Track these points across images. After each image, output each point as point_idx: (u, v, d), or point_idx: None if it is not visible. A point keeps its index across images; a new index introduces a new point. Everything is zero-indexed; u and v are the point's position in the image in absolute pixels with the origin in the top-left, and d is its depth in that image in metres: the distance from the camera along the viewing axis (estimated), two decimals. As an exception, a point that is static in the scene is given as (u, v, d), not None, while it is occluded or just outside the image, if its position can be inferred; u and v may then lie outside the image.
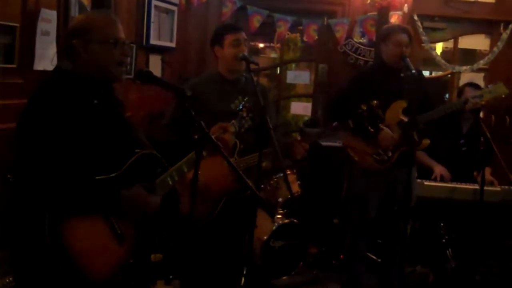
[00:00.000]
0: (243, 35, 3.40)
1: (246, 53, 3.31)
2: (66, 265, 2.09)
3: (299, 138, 3.38)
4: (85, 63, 2.31)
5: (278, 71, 6.96)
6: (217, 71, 3.48)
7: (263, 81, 8.13)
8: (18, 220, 2.17)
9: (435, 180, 4.43)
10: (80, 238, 2.13)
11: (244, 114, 3.01)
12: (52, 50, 3.45)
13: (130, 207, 2.28)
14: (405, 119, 3.92)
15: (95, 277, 2.17)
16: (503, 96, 4.15)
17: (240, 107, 3.03)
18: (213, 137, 2.76)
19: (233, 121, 3.00)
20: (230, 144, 2.97)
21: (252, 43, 8.62)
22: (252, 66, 3.25)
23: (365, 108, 3.16)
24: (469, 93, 4.38)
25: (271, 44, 8.79)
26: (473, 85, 4.58)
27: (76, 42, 2.29)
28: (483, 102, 4.18)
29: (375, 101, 3.17)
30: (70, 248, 2.10)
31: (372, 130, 3.18)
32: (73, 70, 2.32)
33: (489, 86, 4.19)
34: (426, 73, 7.63)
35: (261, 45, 9.28)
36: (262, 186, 4.51)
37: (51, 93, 2.22)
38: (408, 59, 3.78)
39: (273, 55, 8.97)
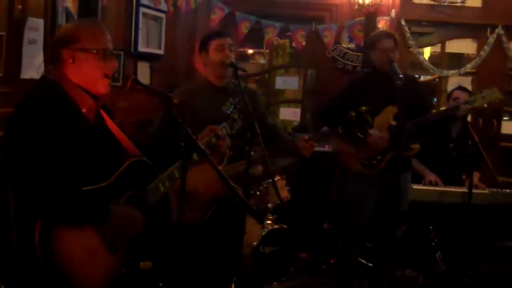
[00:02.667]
0: (228, 40, 3.40)
1: (233, 59, 3.30)
2: (57, 277, 2.07)
3: (307, 137, 3.35)
4: (72, 72, 2.28)
5: (268, 77, 6.97)
6: (205, 78, 3.48)
7: (252, 87, 8.12)
8: (7, 229, 2.15)
9: (424, 184, 4.45)
10: (71, 249, 2.11)
11: (235, 116, 3.01)
12: (39, 58, 3.44)
13: (118, 224, 2.25)
14: (394, 123, 3.94)
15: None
16: (497, 101, 4.09)
17: (231, 109, 3.02)
18: (204, 141, 2.77)
19: (224, 123, 2.99)
20: (224, 150, 2.96)
21: (241, 49, 8.63)
22: (240, 72, 3.25)
23: (353, 114, 3.17)
24: (459, 97, 4.40)
25: (260, 50, 8.81)
26: (462, 89, 4.60)
27: (64, 51, 2.27)
28: (475, 105, 4.15)
29: (364, 107, 3.18)
30: (61, 259, 2.08)
31: (361, 136, 3.19)
32: (59, 79, 2.29)
33: (483, 90, 4.08)
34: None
35: (250, 51, 9.30)
36: (252, 192, 4.51)
37: (38, 102, 2.19)
38: (395, 64, 3.80)
39: (262, 61, 8.99)
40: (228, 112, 2.99)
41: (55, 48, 2.30)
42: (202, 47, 3.45)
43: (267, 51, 6.85)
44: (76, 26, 2.41)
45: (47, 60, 2.35)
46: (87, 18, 3.54)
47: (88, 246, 2.17)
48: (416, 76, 7.63)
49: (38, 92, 2.28)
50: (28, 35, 3.34)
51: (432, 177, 4.47)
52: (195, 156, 2.57)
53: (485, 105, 4.06)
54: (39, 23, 3.45)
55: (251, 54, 9.42)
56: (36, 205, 2.07)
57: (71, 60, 2.27)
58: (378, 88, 3.98)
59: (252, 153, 3.06)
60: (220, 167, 3.10)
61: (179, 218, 2.19)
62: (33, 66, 3.39)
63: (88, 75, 2.30)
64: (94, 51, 2.30)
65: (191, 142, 2.19)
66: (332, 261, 4.88)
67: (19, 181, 2.07)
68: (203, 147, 2.40)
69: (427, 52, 7.59)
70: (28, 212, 2.08)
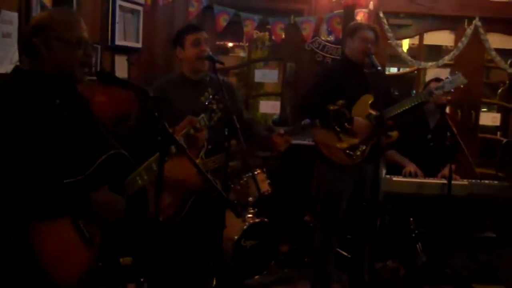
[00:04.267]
0: (203, 34, 3.38)
1: (209, 52, 3.28)
2: (33, 270, 2.06)
3: (282, 131, 3.35)
4: (46, 62, 2.24)
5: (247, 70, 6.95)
6: (181, 73, 3.46)
7: (232, 80, 8.11)
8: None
9: (404, 174, 4.48)
10: (47, 243, 2.10)
11: (214, 107, 2.98)
12: (14, 52, 3.39)
13: (98, 210, 2.25)
14: (374, 112, 3.96)
15: (63, 282, 2.13)
16: (462, 86, 4.25)
17: (209, 99, 2.99)
18: (183, 133, 2.75)
19: (202, 115, 2.97)
20: (202, 141, 2.94)
21: (221, 43, 8.59)
22: (219, 65, 3.23)
23: (331, 107, 3.17)
24: (434, 86, 4.44)
25: (241, 44, 8.78)
26: (438, 81, 4.63)
27: (37, 40, 2.21)
28: (448, 97, 4.26)
29: (341, 101, 3.19)
30: (37, 252, 2.06)
31: (338, 129, 3.20)
32: (33, 69, 2.25)
33: (449, 77, 4.27)
34: (394, 70, 7.73)
35: (230, 44, 9.27)
36: (232, 185, 4.51)
37: (10, 95, 2.16)
38: (373, 56, 3.83)
39: (243, 54, 8.95)
40: (206, 103, 2.97)
41: (29, 37, 2.24)
42: (177, 42, 3.42)
43: (247, 44, 6.82)
44: (50, 14, 2.36)
45: (21, 50, 2.29)
46: (61, 7, 3.49)
47: (64, 239, 2.16)
48: (390, 68, 7.77)
49: (10, 85, 2.23)
50: (1, 28, 3.28)
51: (412, 167, 4.49)
52: (173, 148, 2.55)
53: (452, 90, 4.31)
54: (13, 16, 3.39)
55: (231, 47, 9.39)
56: (11, 200, 2.04)
57: (46, 49, 2.23)
58: (351, 77, 4.01)
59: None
60: (197, 160, 3.09)
61: (156, 212, 2.16)
62: (7, 60, 3.33)
63: (64, 64, 2.26)
64: (70, 40, 2.25)
65: (168, 136, 2.16)
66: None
67: None
68: (180, 141, 2.37)
69: (405, 44, 7.62)
70: (3, 207, 2.05)
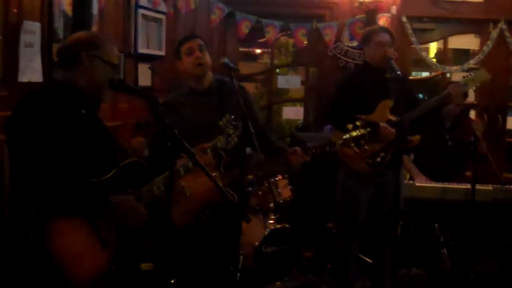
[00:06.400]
0: (196, 41, 3.44)
1: (225, 59, 3.29)
2: (49, 266, 2.12)
3: (298, 149, 3.39)
4: (83, 75, 2.45)
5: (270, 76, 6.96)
6: (188, 86, 3.52)
7: (258, 86, 8.14)
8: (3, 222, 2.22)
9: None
10: (65, 239, 2.17)
11: (231, 132, 3.02)
12: (37, 61, 3.46)
13: (118, 212, 2.33)
14: (393, 118, 3.92)
15: (77, 280, 2.19)
16: (487, 82, 4.10)
17: (227, 124, 3.02)
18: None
19: (220, 136, 3.01)
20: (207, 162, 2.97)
21: (250, 49, 8.65)
22: (244, 72, 3.27)
23: (350, 127, 3.22)
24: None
25: (269, 50, 8.82)
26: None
27: (84, 54, 2.44)
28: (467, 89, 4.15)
29: (359, 122, 3.23)
30: (54, 249, 2.13)
31: (357, 151, 3.26)
32: (66, 80, 2.46)
33: (472, 73, 4.06)
34: (426, 74, 7.65)
35: (258, 51, 9.32)
36: (254, 192, 4.51)
37: (42, 101, 2.34)
38: (392, 61, 3.78)
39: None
40: (225, 127, 3.01)
41: (75, 48, 2.48)
42: (176, 55, 3.52)
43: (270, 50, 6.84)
44: (98, 35, 2.71)
45: (61, 59, 2.54)
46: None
47: (81, 237, 2.24)
48: (418, 72, 7.69)
49: (43, 92, 2.46)
50: (24, 38, 3.35)
51: (422, 179, 4.46)
52: (189, 164, 2.69)
53: (473, 88, 4.32)
54: (36, 26, 3.46)
55: (259, 54, 9.44)
56: (36, 192, 2.15)
57: (88, 63, 2.45)
58: (371, 83, 3.97)
59: (248, 150, 3.04)
60: (216, 173, 3.10)
61: (167, 219, 2.19)
62: (30, 69, 3.40)
63: (97, 80, 2.49)
64: (109, 62, 2.51)
65: (177, 143, 2.19)
66: (337, 260, 4.86)
67: (22, 172, 2.20)
68: (192, 150, 2.40)
69: (433, 48, 7.54)
70: (27, 199, 2.15)
